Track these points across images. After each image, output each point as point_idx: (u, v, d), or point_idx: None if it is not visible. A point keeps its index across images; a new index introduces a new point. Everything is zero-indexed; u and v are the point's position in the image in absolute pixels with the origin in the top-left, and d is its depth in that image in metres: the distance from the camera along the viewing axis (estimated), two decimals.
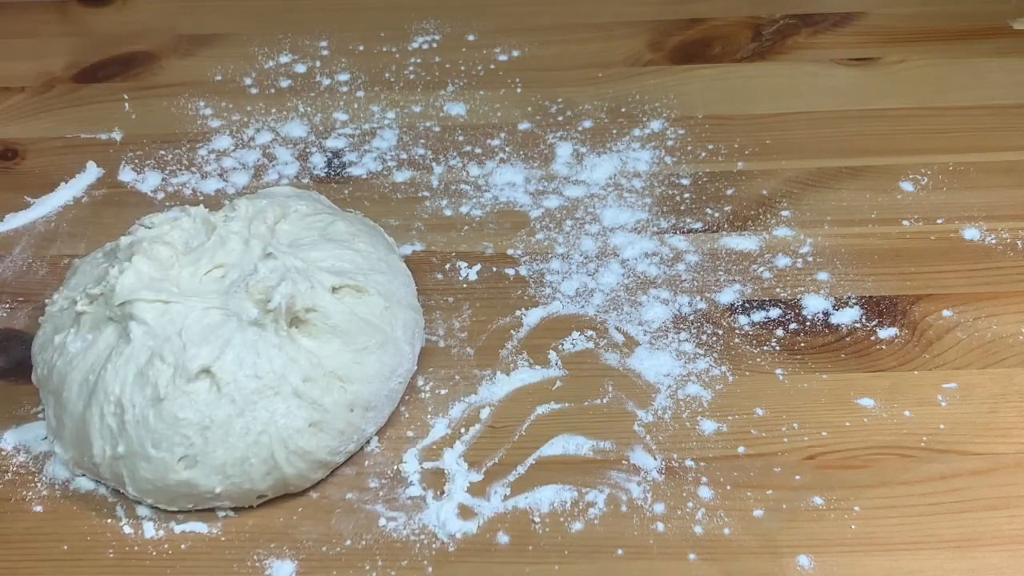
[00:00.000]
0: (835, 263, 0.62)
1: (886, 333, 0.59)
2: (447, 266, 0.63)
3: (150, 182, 0.70)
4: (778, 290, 0.61)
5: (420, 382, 0.57)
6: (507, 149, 0.71)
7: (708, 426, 0.55)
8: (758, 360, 0.58)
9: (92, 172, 0.70)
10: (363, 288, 0.55)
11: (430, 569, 0.50)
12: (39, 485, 0.54)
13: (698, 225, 0.65)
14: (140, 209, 0.67)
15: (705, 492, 0.52)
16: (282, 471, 0.52)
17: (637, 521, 0.51)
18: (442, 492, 0.53)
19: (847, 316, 0.60)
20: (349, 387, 0.53)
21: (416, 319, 0.58)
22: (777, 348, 0.58)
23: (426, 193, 0.68)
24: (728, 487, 0.52)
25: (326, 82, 0.77)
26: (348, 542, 0.51)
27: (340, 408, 0.53)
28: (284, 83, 0.77)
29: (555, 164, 0.69)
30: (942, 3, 0.80)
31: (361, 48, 0.79)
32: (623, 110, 0.73)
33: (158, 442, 0.51)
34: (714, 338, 0.59)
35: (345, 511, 0.52)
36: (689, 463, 0.53)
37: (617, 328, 0.59)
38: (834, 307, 0.60)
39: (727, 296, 0.61)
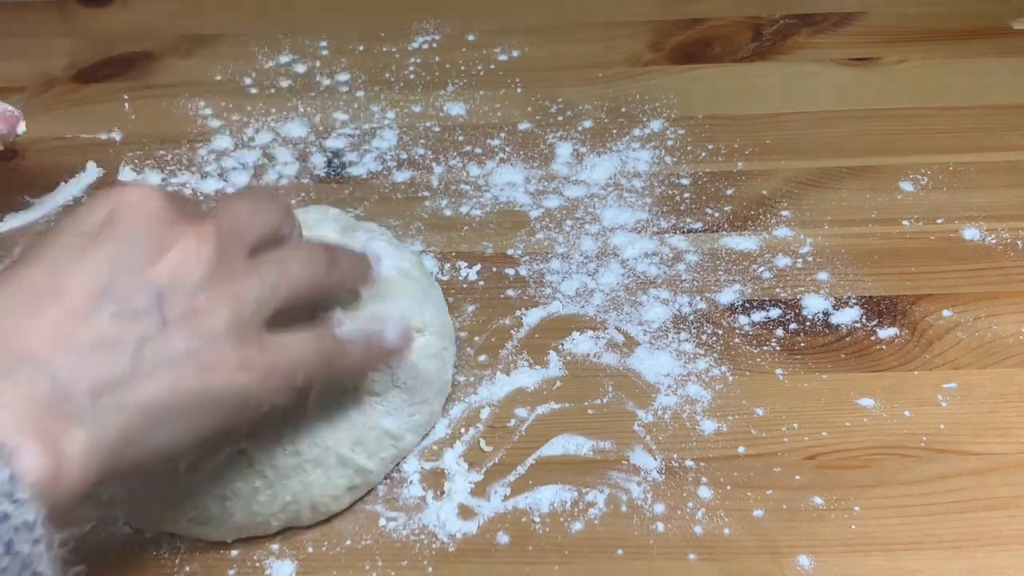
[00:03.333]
0: (835, 263, 0.62)
1: (886, 333, 0.59)
2: (447, 266, 0.63)
3: (150, 182, 0.70)
4: (778, 290, 0.61)
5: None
6: (507, 149, 0.71)
7: (708, 426, 0.55)
8: (758, 360, 0.58)
9: (92, 172, 0.70)
10: (420, 328, 0.51)
11: (430, 569, 0.50)
12: None
13: (698, 225, 0.65)
14: None
15: (705, 492, 0.52)
16: (300, 521, 0.50)
17: (637, 521, 0.51)
18: (442, 492, 0.53)
19: (847, 316, 0.60)
20: (399, 443, 0.50)
21: (454, 349, 0.53)
22: (777, 348, 0.58)
23: (426, 193, 0.68)
24: (728, 487, 0.52)
25: (326, 82, 0.77)
26: (348, 542, 0.51)
27: (385, 466, 0.50)
28: (284, 83, 0.77)
29: (555, 164, 0.69)
30: (942, 3, 0.80)
31: (361, 48, 0.79)
32: (623, 110, 0.73)
33: (166, 503, 0.48)
34: (714, 338, 0.59)
35: (345, 511, 0.52)
36: (689, 463, 0.53)
37: (617, 328, 0.59)
38: (834, 307, 0.60)
39: (727, 296, 0.61)
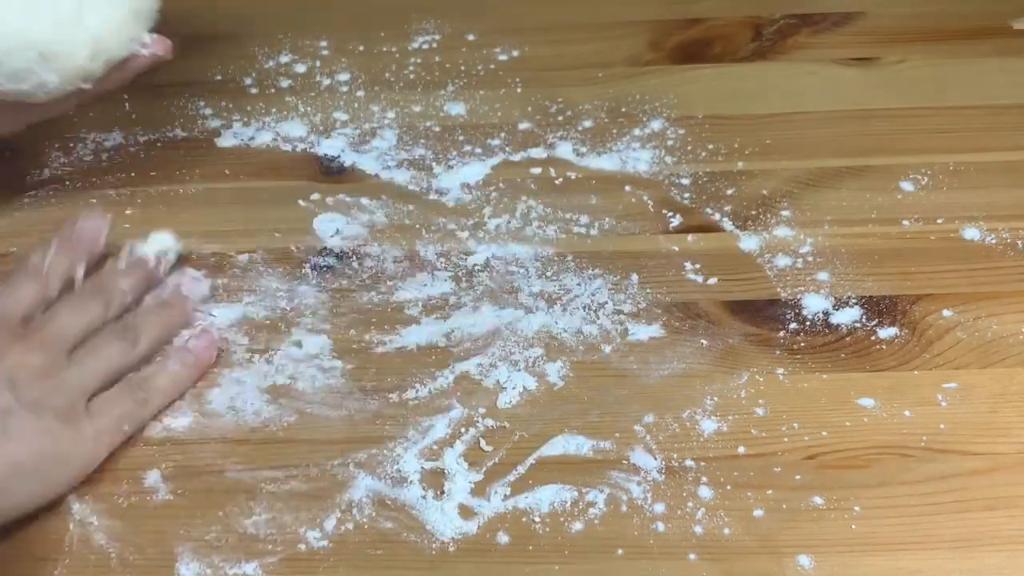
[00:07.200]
0: (835, 263, 0.62)
1: (886, 333, 0.59)
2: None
3: None
4: (778, 290, 0.61)
5: (420, 382, 0.57)
6: (507, 149, 0.70)
7: (708, 426, 0.55)
8: (758, 360, 0.58)
9: None
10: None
11: (430, 569, 0.50)
12: None
13: None
14: None
15: (705, 492, 0.52)
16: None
17: (637, 521, 0.51)
18: (442, 492, 0.53)
19: (847, 316, 0.60)
20: None
21: None
22: (777, 348, 0.58)
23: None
24: (728, 487, 0.52)
25: (326, 82, 0.77)
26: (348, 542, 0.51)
27: None
28: (284, 83, 0.77)
29: None
30: (942, 3, 0.80)
31: (361, 48, 0.79)
32: (623, 110, 0.73)
33: None
34: (714, 338, 0.59)
35: (345, 511, 0.52)
36: (689, 463, 0.53)
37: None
38: (834, 307, 0.60)
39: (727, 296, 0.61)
